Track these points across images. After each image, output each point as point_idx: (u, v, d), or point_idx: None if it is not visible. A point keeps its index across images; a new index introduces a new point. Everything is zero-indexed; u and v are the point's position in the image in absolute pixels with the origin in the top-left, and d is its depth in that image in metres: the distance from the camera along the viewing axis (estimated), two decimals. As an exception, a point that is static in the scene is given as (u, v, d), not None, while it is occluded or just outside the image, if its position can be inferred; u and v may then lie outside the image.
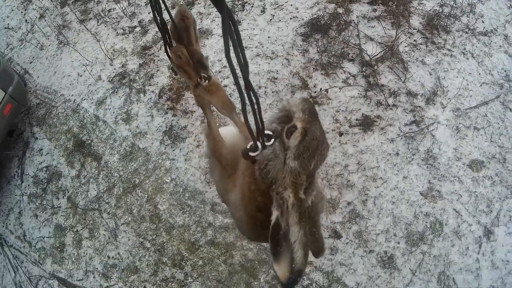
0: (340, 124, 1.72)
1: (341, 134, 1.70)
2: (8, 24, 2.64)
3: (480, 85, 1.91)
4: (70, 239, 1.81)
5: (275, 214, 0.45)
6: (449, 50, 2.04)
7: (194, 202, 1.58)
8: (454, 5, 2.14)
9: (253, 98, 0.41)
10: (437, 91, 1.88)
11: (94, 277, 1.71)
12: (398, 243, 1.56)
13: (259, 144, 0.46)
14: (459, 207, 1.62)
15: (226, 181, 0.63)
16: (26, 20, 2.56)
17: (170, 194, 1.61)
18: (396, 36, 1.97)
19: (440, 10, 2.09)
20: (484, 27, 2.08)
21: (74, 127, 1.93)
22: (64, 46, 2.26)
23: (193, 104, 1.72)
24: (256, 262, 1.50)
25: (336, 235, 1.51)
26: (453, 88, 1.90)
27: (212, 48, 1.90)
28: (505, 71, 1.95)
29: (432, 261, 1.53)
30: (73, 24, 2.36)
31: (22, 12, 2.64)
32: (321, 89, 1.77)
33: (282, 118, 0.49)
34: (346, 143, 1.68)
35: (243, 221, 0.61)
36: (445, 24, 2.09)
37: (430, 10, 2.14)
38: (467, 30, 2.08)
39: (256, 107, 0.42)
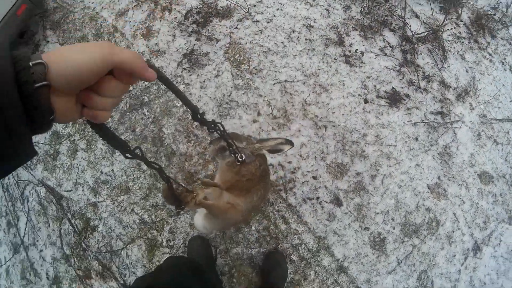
0: (368, 91, 1.40)
1: (366, 102, 1.38)
2: None
3: (511, 101, 1.61)
4: (65, 148, 1.52)
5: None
6: (489, 54, 1.69)
7: (202, 133, 1.27)
8: (505, 12, 1.78)
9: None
10: (470, 90, 1.56)
11: (83, 190, 1.45)
12: (394, 228, 1.31)
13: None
14: (459, 213, 1.38)
15: (224, 217, 0.77)
16: None
17: (178, 119, 1.29)
18: (443, 22, 1.60)
19: (492, 13, 1.72)
20: (529, 45, 1.74)
21: (89, 35, 1.58)
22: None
23: (220, 32, 1.38)
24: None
25: (338, 202, 1.25)
26: (484, 93, 1.59)
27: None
28: (538, 96, 1.64)
29: (419, 257, 1.30)
30: None
31: None
32: (356, 50, 1.43)
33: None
34: (369, 112, 1.37)
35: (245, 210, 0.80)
36: (493, 27, 1.73)
37: (480, 8, 1.77)
38: (511, 41, 1.74)
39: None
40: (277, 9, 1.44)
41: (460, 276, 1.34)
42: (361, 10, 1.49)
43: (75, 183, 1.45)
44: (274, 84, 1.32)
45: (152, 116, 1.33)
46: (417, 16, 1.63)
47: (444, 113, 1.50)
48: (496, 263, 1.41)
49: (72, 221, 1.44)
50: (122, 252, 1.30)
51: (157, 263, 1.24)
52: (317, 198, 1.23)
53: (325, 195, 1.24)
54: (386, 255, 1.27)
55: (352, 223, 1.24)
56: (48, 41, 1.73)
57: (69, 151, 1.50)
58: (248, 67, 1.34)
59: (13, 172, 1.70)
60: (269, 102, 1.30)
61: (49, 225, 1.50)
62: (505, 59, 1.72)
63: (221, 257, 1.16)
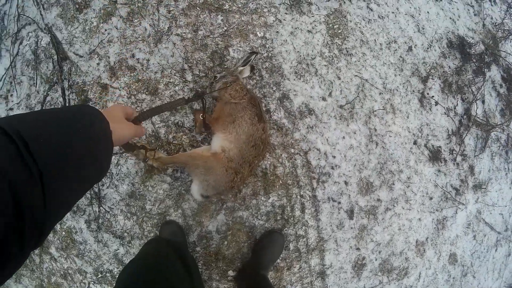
0: (421, 136, 1.38)
1: (415, 143, 1.36)
2: None
3: (500, 213, 1.80)
4: (99, 4, 1.16)
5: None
6: (509, 169, 1.85)
7: (269, 77, 1.09)
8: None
9: None
10: (483, 187, 1.68)
11: (98, 64, 1.12)
12: (376, 260, 1.32)
13: None
14: (423, 274, 1.50)
15: (207, 170, 0.91)
16: None
17: (250, 48, 1.10)
18: (497, 125, 1.69)
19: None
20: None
21: None
22: None
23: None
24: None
25: (350, 215, 1.20)
26: (489, 196, 1.74)
27: None
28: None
29: None
30: None
31: None
32: (432, 97, 1.41)
33: None
34: (413, 153, 1.35)
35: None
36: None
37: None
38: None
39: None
40: (393, 13, 1.33)
41: (394, 328, 1.43)
42: (455, 67, 1.47)
43: (92, 51, 1.14)
44: (356, 76, 1.22)
45: (224, 28, 1.10)
46: (483, 102, 1.68)
47: (459, 192, 1.57)
48: (423, 331, 1.56)
49: (67, 92, 1.14)
50: (113, 157, 1.05)
51: (150, 188, 1.02)
52: (339, 202, 1.16)
53: (346, 203, 1.18)
54: (358, 279, 1.28)
55: (351, 239, 1.21)
56: None
57: (103, 11, 1.18)
58: (340, 43, 1.21)
59: (18, 2, 1.30)
60: (344, 90, 1.19)
61: (34, 84, 1.17)
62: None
63: (224, 214, 1.01)
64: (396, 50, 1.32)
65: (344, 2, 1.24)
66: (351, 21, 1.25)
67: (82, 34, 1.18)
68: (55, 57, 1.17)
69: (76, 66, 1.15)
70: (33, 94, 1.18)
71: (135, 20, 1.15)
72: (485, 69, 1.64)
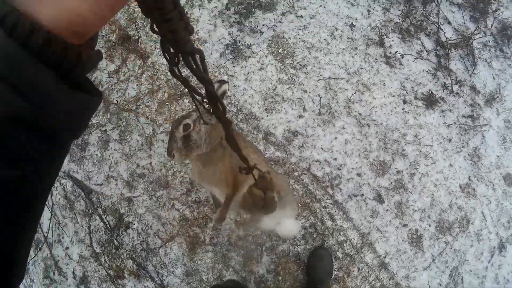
0: (406, 92, 1.41)
1: (405, 102, 1.39)
2: None
3: None
4: (95, 138, 1.45)
5: None
6: None
7: (247, 126, 1.22)
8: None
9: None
10: (496, 96, 1.61)
11: (116, 184, 1.37)
12: (429, 225, 1.33)
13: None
14: (486, 212, 1.44)
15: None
16: None
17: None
18: (474, 31, 1.65)
19: (515, 24, 1.77)
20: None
21: (121, 20, 1.51)
22: None
23: (263, 24, 1.35)
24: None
25: (380, 199, 1.25)
26: (509, 100, 1.65)
27: None
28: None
29: (452, 253, 1.34)
30: None
31: None
32: (396, 51, 1.44)
33: None
34: (408, 112, 1.38)
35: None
36: (515, 37, 1.78)
37: (506, 19, 1.82)
38: (532, 50, 1.79)
39: None
40: (320, 6, 1.43)
41: (487, 273, 1.38)
42: (401, 13, 1.50)
43: (107, 176, 1.38)
44: (319, 80, 1.31)
45: (194, 106, 1.27)
46: (449, 23, 1.66)
47: (474, 116, 1.53)
48: (518, 261, 1.48)
49: (103, 217, 1.37)
50: (160, 250, 1.25)
51: (199, 262, 1.19)
52: (362, 194, 1.22)
53: (369, 192, 1.24)
54: (422, 252, 1.30)
55: (393, 220, 1.25)
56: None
57: (100, 142, 1.43)
58: (292, 62, 1.32)
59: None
60: (314, 98, 1.28)
61: (76, 221, 1.42)
62: (526, 67, 1.78)
63: (267, 254, 1.14)
64: (341, 35, 1.40)
65: (276, 26, 1.36)
66: (290, 38, 1.36)
67: (93, 167, 1.43)
68: (82, 194, 1.42)
69: (101, 193, 1.38)
70: (79, 229, 1.43)
71: (127, 137, 1.38)
72: (433, -7, 1.62)
